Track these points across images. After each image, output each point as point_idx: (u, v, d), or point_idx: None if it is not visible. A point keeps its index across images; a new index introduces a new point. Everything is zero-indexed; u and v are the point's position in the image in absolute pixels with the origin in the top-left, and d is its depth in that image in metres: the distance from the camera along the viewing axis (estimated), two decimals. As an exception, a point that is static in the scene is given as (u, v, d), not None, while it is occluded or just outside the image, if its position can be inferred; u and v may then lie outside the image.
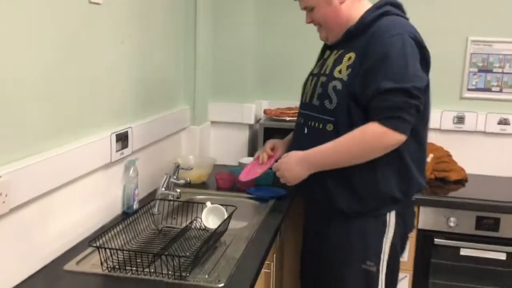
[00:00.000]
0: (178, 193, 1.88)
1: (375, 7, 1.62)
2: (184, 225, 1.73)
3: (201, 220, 1.67)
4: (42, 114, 1.38)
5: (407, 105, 1.48)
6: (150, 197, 2.02)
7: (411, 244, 2.29)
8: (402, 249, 1.73)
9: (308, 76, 1.82)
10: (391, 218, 1.62)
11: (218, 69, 2.68)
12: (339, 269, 1.65)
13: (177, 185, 2.02)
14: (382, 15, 1.59)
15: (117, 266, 1.37)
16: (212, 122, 2.73)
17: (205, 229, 1.67)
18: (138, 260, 1.35)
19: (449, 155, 2.55)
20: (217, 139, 2.73)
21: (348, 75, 1.57)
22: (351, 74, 1.56)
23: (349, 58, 1.60)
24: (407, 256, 2.30)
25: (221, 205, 1.71)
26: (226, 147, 2.72)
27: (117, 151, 1.75)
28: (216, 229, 1.55)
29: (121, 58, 1.81)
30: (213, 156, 2.68)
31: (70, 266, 1.41)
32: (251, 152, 2.72)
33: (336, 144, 1.57)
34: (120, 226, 1.61)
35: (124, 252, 1.40)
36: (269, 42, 2.80)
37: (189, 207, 1.81)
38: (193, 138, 2.53)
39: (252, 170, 1.93)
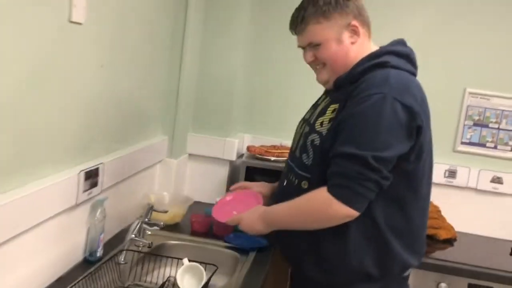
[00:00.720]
0: (150, 243, 1.66)
1: (372, 56, 1.42)
2: (153, 281, 1.51)
3: (176, 281, 1.45)
4: (-2, 150, 1.15)
5: (361, 176, 1.28)
6: (117, 240, 1.79)
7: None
8: None
9: (300, 121, 1.64)
10: None
11: (201, 98, 2.48)
12: None
13: (149, 230, 1.80)
14: (376, 66, 1.39)
15: None
16: (190, 155, 2.51)
17: (179, 289, 1.45)
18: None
19: (439, 211, 2.41)
20: (194, 174, 2.51)
21: (328, 129, 1.40)
22: (331, 128, 1.39)
23: (333, 110, 1.42)
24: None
25: (200, 262, 1.49)
26: (203, 183, 2.50)
27: (84, 191, 1.52)
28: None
29: (98, 84, 1.58)
30: (188, 192, 2.47)
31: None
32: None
33: (290, 206, 1.42)
34: (79, 279, 1.38)
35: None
36: (257, 73, 2.64)
37: (161, 260, 1.59)
38: (169, 172, 2.31)
39: (227, 208, 1.73)
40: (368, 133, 1.30)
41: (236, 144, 2.49)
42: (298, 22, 1.45)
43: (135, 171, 1.96)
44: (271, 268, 1.83)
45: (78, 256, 1.60)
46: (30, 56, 1.21)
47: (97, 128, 1.63)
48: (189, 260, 1.49)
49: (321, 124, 1.42)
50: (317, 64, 1.49)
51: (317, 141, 1.41)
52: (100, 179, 1.61)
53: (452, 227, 2.37)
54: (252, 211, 1.54)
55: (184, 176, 2.48)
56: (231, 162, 2.53)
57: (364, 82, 1.36)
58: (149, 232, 1.84)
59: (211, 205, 2.34)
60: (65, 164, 1.46)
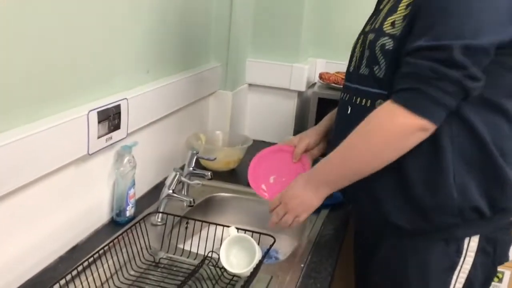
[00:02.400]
0: (191, 200, 1.29)
1: None
2: (191, 254, 1.15)
3: (220, 258, 1.07)
4: None
5: (435, 75, 0.93)
6: (151, 197, 1.44)
7: (513, 279, 1.67)
8: (487, 282, 1.16)
9: (358, 36, 1.20)
10: (471, 244, 1.07)
11: (261, 16, 2.00)
12: None
13: (191, 183, 1.43)
14: None
15: None
16: (250, 86, 2.08)
17: (223, 267, 1.08)
18: None
19: None
20: (255, 108, 2.09)
21: (404, 28, 1.02)
22: (407, 27, 1.02)
23: (408, 5, 1.03)
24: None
25: (252, 232, 1.11)
26: (266, 119, 2.09)
27: (100, 136, 1.16)
28: (247, 282, 0.98)
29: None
30: (248, 130, 2.07)
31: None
32: (298, 129, 2.08)
33: (342, 144, 1.06)
34: (99, 248, 1.06)
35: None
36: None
37: (202, 226, 1.22)
38: (223, 107, 1.91)
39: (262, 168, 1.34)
40: (453, 14, 0.94)
41: (306, 71, 2.02)
42: None
43: (178, 107, 1.57)
44: (348, 232, 1.41)
45: (102, 216, 1.28)
46: None
47: (119, 53, 1.24)
48: (238, 229, 1.11)
49: (393, 24, 1.05)
50: None
51: (389, 45, 1.04)
52: (123, 119, 1.24)
53: None
54: (289, 188, 1.16)
55: (243, 112, 2.07)
56: (299, 93, 2.07)
57: None
58: (199, 183, 1.46)
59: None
60: (72, 103, 1.09)
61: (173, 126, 1.60)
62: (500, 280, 1.69)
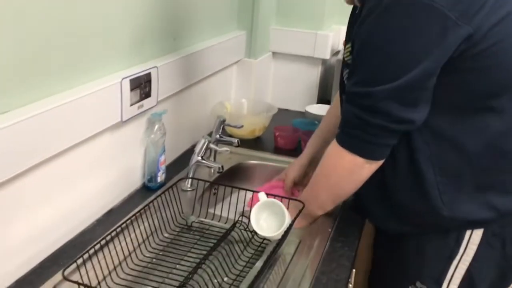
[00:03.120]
0: (220, 166, 1.32)
1: None
2: (223, 215, 1.19)
3: (250, 222, 1.11)
4: (4, 49, 0.82)
5: (361, 121, 0.99)
6: (181, 163, 1.48)
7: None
8: (504, 282, 1.14)
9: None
10: (474, 237, 1.07)
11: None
12: (383, 285, 1.26)
13: (219, 150, 1.46)
14: None
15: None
16: (274, 54, 2.08)
17: (254, 231, 1.12)
18: None
19: None
20: (279, 77, 2.10)
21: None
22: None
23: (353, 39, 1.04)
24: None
25: (281, 197, 1.13)
26: (290, 87, 2.09)
27: (132, 104, 1.19)
28: (279, 244, 1.01)
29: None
30: (272, 99, 2.08)
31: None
32: (322, 97, 2.09)
33: (312, 182, 1.17)
34: (134, 212, 1.11)
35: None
36: None
37: (232, 192, 1.25)
38: (248, 75, 1.92)
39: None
40: (372, 61, 0.97)
41: (330, 39, 2.01)
42: None
43: (203, 76, 1.59)
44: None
45: (135, 182, 1.32)
46: None
47: (149, 21, 1.26)
48: (268, 195, 1.14)
49: (350, 52, 1.07)
50: None
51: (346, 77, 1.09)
52: (154, 87, 1.27)
53: None
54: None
55: (267, 80, 2.08)
56: (324, 61, 2.07)
57: None
58: (223, 151, 1.50)
59: (300, 114, 1.97)
60: (105, 71, 1.12)
61: (199, 95, 1.62)
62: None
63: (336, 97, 1.35)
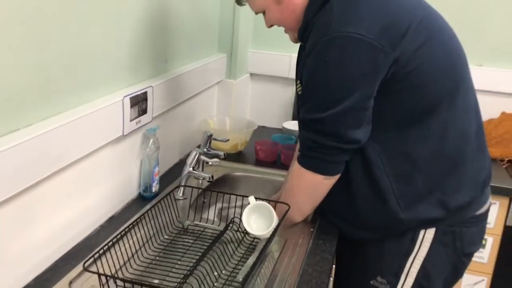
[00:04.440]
0: (210, 176, 1.45)
1: None
2: (215, 220, 1.31)
3: (241, 222, 1.24)
4: (20, 71, 0.93)
5: (316, 144, 1.15)
6: (175, 173, 1.60)
7: (494, 243, 1.86)
8: (456, 274, 1.30)
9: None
10: (427, 236, 1.22)
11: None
12: (348, 284, 1.40)
13: (208, 161, 1.59)
14: (325, 1, 1.13)
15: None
16: (252, 75, 2.24)
17: (245, 231, 1.25)
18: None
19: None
20: (257, 96, 2.26)
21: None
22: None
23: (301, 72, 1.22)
24: (487, 257, 1.88)
25: (269, 201, 1.27)
26: (267, 105, 2.25)
27: (132, 119, 1.31)
28: (268, 241, 1.14)
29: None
30: (251, 116, 2.23)
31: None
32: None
33: (286, 187, 1.32)
34: (135, 219, 1.22)
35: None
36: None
37: (224, 196, 1.38)
38: (228, 94, 2.06)
39: None
40: (317, 90, 1.13)
41: (303, 61, 2.18)
42: None
43: (190, 95, 1.73)
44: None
45: (132, 192, 1.43)
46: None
47: (145, 45, 1.39)
48: (256, 198, 1.27)
49: (299, 85, 1.24)
50: (279, 26, 1.29)
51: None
52: (149, 105, 1.39)
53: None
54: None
55: (246, 98, 2.24)
56: (297, 81, 2.24)
57: (312, 28, 1.14)
58: (210, 163, 1.63)
59: (277, 130, 2.12)
60: (109, 89, 1.24)
61: (185, 112, 1.75)
62: (483, 246, 1.88)
63: None
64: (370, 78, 1.08)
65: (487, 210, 1.29)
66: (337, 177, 1.20)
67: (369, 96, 1.10)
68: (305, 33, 1.17)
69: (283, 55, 2.17)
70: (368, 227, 1.25)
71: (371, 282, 1.28)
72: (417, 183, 1.17)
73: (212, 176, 1.46)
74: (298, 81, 1.24)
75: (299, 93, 1.24)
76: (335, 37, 1.06)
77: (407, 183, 1.17)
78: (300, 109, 1.18)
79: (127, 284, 0.96)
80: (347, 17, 1.07)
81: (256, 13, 1.29)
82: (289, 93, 2.24)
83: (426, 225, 1.21)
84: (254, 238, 1.24)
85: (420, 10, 1.14)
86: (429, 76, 1.11)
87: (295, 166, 1.23)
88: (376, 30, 1.05)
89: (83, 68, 1.13)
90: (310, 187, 1.23)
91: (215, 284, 1.06)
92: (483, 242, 1.87)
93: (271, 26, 1.30)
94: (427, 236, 1.22)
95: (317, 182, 1.20)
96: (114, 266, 1.05)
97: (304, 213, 1.30)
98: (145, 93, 1.36)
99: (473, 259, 1.63)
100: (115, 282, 0.96)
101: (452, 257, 1.25)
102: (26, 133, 0.95)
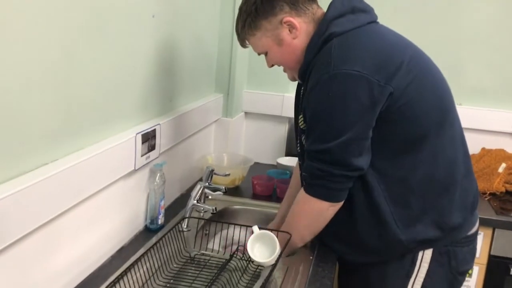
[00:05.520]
0: (214, 208, 1.53)
1: (317, 34, 1.27)
2: (220, 250, 1.39)
3: (246, 251, 1.31)
4: (46, 111, 1.02)
5: (324, 173, 1.24)
6: (176, 206, 1.68)
7: (480, 272, 1.95)
8: None
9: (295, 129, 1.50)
10: (425, 256, 1.32)
11: (256, 57, 2.27)
12: None
13: (210, 194, 1.68)
14: (324, 42, 1.25)
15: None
16: (246, 113, 2.36)
17: (250, 259, 1.32)
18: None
19: (523, 165, 2.17)
20: (251, 133, 2.37)
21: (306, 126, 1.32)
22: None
23: (304, 108, 1.32)
24: (474, 286, 1.97)
25: (271, 230, 1.35)
26: (261, 142, 2.36)
27: (142, 155, 1.40)
28: (272, 269, 1.21)
29: (149, 37, 1.43)
30: (245, 152, 2.33)
31: (80, 314, 1.07)
32: (290, 150, 2.36)
33: (287, 223, 1.39)
34: (143, 249, 1.28)
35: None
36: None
37: (228, 227, 1.46)
38: (225, 132, 2.17)
39: None
40: (322, 121, 1.23)
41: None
42: (240, 41, 1.40)
43: (191, 132, 1.83)
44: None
45: (139, 224, 1.50)
46: (81, 7, 1.06)
47: (152, 87, 1.49)
48: (260, 228, 1.35)
49: (304, 121, 1.33)
50: (279, 66, 1.41)
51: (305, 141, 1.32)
52: (157, 141, 1.49)
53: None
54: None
55: (241, 136, 2.34)
56: (290, 119, 2.35)
57: (313, 68, 1.26)
58: (212, 196, 1.72)
59: (271, 166, 2.22)
60: (123, 127, 1.33)
61: (186, 149, 1.84)
62: (470, 276, 1.97)
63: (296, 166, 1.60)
64: (369, 109, 1.19)
65: (477, 231, 1.40)
66: (341, 204, 1.28)
67: (369, 126, 1.21)
68: (306, 72, 1.28)
69: (276, 95, 2.30)
70: (371, 250, 1.33)
71: None
72: (413, 205, 1.27)
73: (215, 208, 1.54)
74: (301, 116, 1.34)
75: (301, 127, 1.34)
76: (336, 74, 1.17)
77: (403, 206, 1.27)
78: (306, 142, 1.28)
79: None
80: (345, 56, 1.19)
81: (259, 54, 1.40)
82: (281, 130, 2.35)
83: (424, 245, 1.30)
84: (258, 266, 1.32)
85: (409, 49, 1.27)
86: (418, 109, 1.23)
87: (301, 195, 1.31)
88: (371, 67, 1.17)
89: (101, 108, 1.22)
90: (316, 214, 1.31)
91: (225, 309, 1.14)
92: (470, 271, 1.96)
93: (272, 65, 1.41)
94: (425, 257, 1.31)
95: (323, 209, 1.28)
96: (130, 292, 1.12)
97: (306, 239, 1.39)
98: (154, 130, 1.46)
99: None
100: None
101: (448, 276, 1.34)
102: (53, 168, 1.03)
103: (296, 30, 1.29)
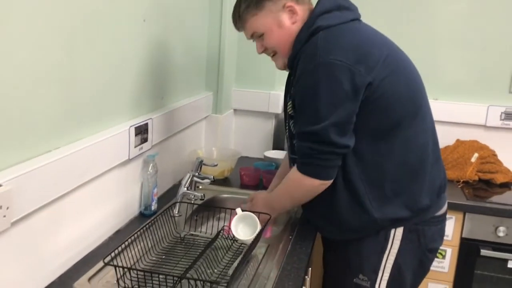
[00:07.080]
0: (202, 195, 1.67)
1: (306, 26, 1.41)
2: (208, 231, 1.53)
3: (230, 230, 1.46)
4: (51, 105, 1.17)
5: (314, 152, 1.35)
6: (169, 195, 1.83)
7: (453, 254, 2.09)
8: (423, 268, 1.54)
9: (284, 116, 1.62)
10: (397, 234, 1.44)
11: (243, 53, 2.44)
12: (335, 282, 1.60)
13: (200, 184, 1.82)
14: (311, 35, 1.39)
15: (136, 286, 1.18)
16: (235, 110, 2.50)
17: (234, 238, 1.47)
18: (161, 278, 1.16)
19: (495, 155, 2.32)
20: (240, 129, 2.51)
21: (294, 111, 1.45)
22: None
23: (292, 94, 1.45)
24: (447, 266, 2.11)
25: (254, 212, 1.50)
26: (249, 137, 2.50)
27: (136, 146, 1.54)
28: (253, 244, 1.35)
29: (141, 39, 1.58)
30: (234, 147, 2.47)
31: (81, 283, 1.22)
32: (277, 144, 2.50)
33: (277, 189, 1.55)
34: (138, 232, 1.42)
35: (146, 273, 1.20)
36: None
37: (214, 212, 1.61)
38: (215, 128, 2.31)
39: None
40: (309, 108, 1.34)
41: (281, 97, 2.44)
42: (236, 21, 1.50)
43: (182, 127, 1.97)
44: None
45: (134, 210, 1.65)
46: (75, 11, 1.21)
47: (145, 85, 1.64)
48: (242, 210, 1.50)
49: (292, 107, 1.44)
50: (269, 53, 1.51)
51: (293, 128, 1.46)
52: (150, 134, 1.63)
53: (509, 171, 2.28)
54: (253, 203, 1.62)
55: (230, 131, 2.49)
56: (276, 115, 2.51)
57: (300, 57, 1.37)
58: (200, 186, 1.87)
59: (259, 159, 2.36)
60: (118, 121, 1.48)
61: (177, 143, 1.99)
62: (444, 257, 2.11)
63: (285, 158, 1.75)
64: (351, 96, 1.31)
65: (445, 213, 1.53)
66: (330, 182, 1.39)
67: (353, 112, 1.34)
68: (294, 60, 1.41)
69: (263, 93, 2.45)
70: (350, 227, 1.45)
71: (354, 280, 1.48)
72: (386, 187, 1.41)
73: (204, 195, 1.68)
74: (290, 103, 1.46)
75: (289, 113, 1.47)
76: (320, 63, 1.31)
77: (378, 188, 1.40)
78: (296, 125, 1.41)
79: (139, 276, 1.17)
80: (329, 48, 1.32)
81: (251, 37, 1.50)
82: (268, 126, 2.50)
83: (395, 224, 1.43)
84: (241, 244, 1.47)
85: (388, 47, 1.41)
86: (393, 101, 1.37)
87: (293, 172, 1.43)
88: (353, 58, 1.31)
89: (98, 104, 1.37)
90: (306, 191, 1.43)
91: (210, 278, 1.28)
92: (443, 253, 2.11)
93: (262, 51, 1.51)
94: (397, 234, 1.44)
95: (315, 186, 1.40)
96: (127, 265, 1.26)
97: (287, 208, 1.60)
98: (146, 124, 1.60)
99: (435, 268, 1.87)
100: (130, 274, 1.18)
101: (418, 252, 1.47)
102: (56, 154, 1.17)
103: (297, 15, 1.43)
